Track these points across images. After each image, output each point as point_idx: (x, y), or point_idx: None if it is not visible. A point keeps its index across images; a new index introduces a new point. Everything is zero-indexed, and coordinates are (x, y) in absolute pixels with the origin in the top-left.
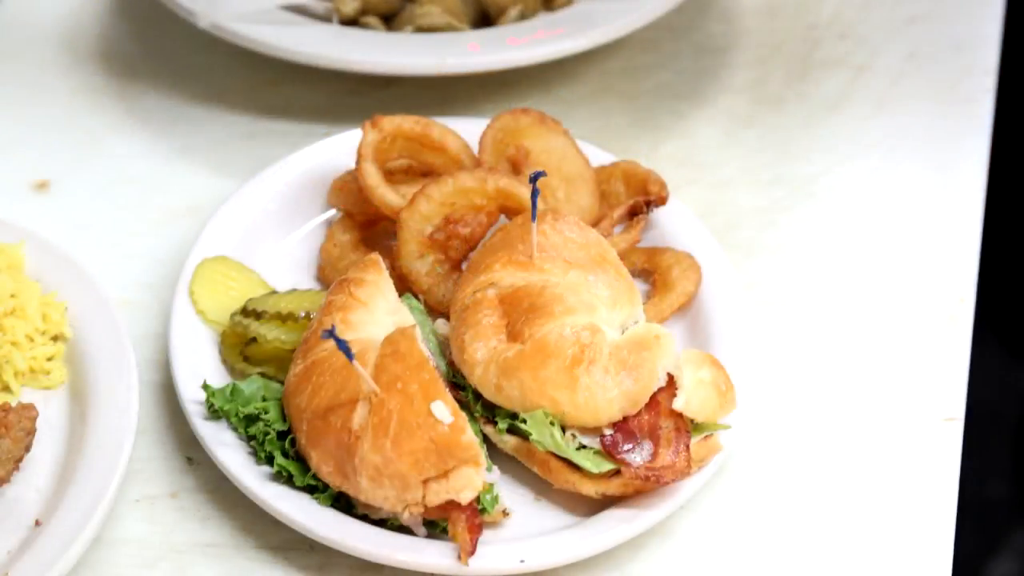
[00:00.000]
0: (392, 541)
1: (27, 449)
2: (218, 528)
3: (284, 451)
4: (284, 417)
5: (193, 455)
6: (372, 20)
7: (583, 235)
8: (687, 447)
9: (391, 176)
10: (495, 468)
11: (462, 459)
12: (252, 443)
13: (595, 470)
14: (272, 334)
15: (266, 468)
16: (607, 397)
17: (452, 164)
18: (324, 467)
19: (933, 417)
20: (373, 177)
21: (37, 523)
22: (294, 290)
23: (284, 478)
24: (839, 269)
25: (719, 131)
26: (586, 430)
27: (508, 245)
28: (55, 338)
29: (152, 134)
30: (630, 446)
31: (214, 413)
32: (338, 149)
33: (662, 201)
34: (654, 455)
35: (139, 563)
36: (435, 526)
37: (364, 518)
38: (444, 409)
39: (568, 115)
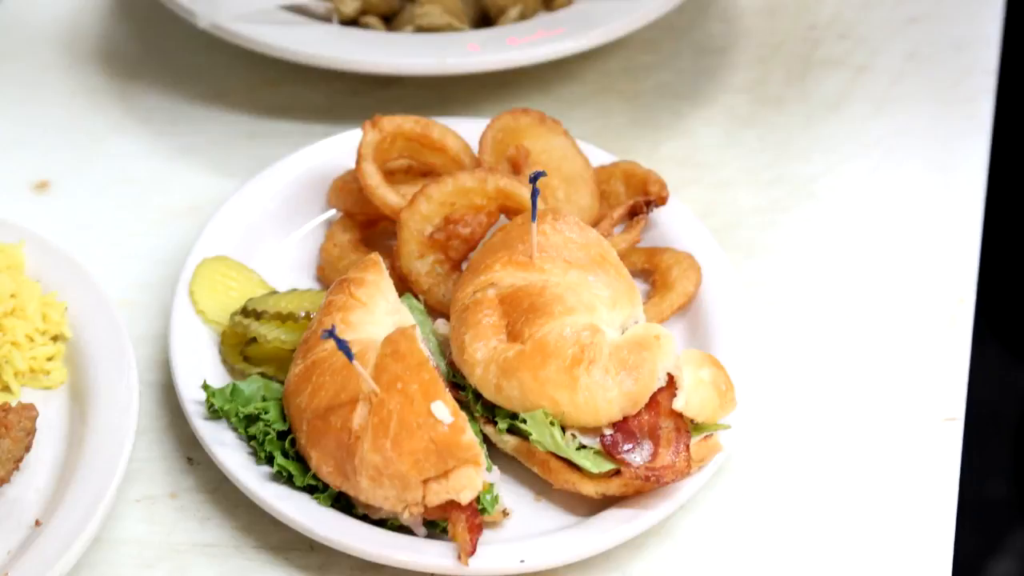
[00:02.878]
0: (392, 541)
1: (27, 449)
2: (218, 528)
3: (284, 451)
4: (284, 417)
5: (193, 455)
6: (372, 20)
7: (583, 235)
8: (687, 447)
9: (391, 176)
10: (495, 468)
11: (462, 459)
12: (252, 443)
13: (595, 470)
14: (272, 334)
15: (266, 468)
16: (607, 397)
17: (452, 164)
18: (324, 467)
19: (933, 417)
20: (373, 177)
21: (37, 523)
22: (294, 290)
23: (284, 478)
24: (839, 269)
25: (719, 131)
26: (586, 430)
27: (508, 245)
28: (55, 338)
29: (152, 134)
30: (630, 446)
31: (214, 413)
32: (338, 149)
33: (662, 201)
34: (654, 455)
35: (139, 563)
36: (435, 526)
37: (364, 518)
38: (444, 409)
39: (568, 115)
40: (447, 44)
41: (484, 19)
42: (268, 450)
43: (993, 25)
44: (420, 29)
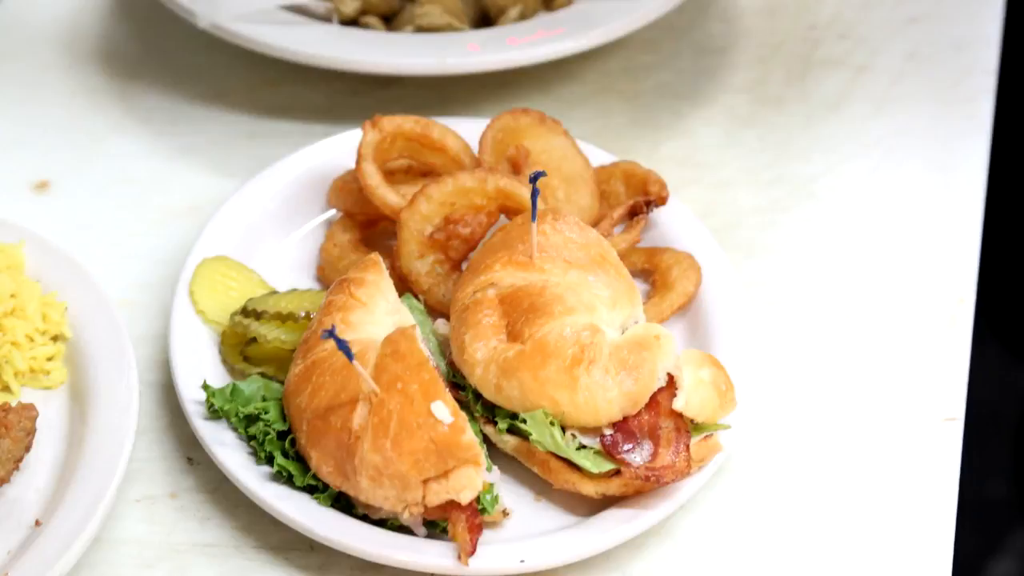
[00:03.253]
0: (392, 541)
1: (27, 449)
2: (218, 528)
3: (284, 451)
4: (284, 417)
5: (193, 455)
6: (372, 20)
7: (583, 235)
8: (687, 447)
9: (391, 176)
10: (495, 468)
11: (462, 459)
12: (252, 443)
13: (595, 470)
14: (272, 334)
15: (266, 468)
16: (607, 397)
17: (452, 164)
18: (324, 467)
19: (933, 417)
20: (373, 177)
21: (37, 523)
22: (294, 290)
23: (284, 478)
24: (839, 269)
25: (719, 131)
26: (586, 430)
27: (508, 245)
28: (55, 338)
29: (152, 134)
30: (630, 446)
31: (214, 413)
32: (338, 149)
33: (662, 201)
34: (654, 455)
35: (139, 563)
36: (435, 526)
37: (364, 518)
38: (444, 409)
39: (568, 115)
40: (447, 44)
41: (484, 19)
42: (268, 450)
43: (993, 25)
44: (420, 29)
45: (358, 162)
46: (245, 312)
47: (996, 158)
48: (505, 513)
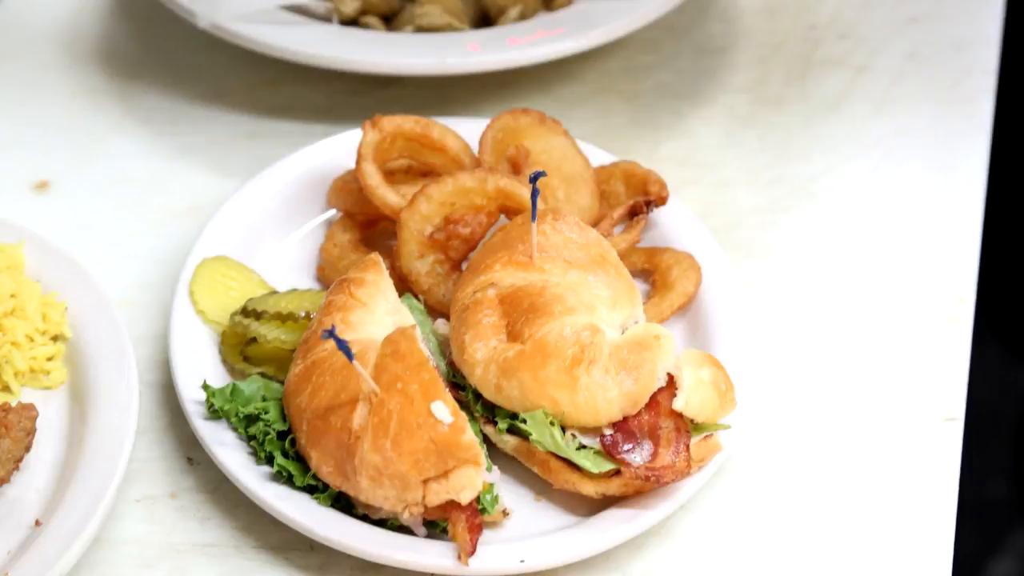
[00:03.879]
0: (392, 541)
1: (27, 449)
2: (218, 528)
3: (284, 451)
4: (284, 417)
5: (193, 455)
6: (372, 20)
7: (583, 235)
8: (687, 447)
9: (391, 176)
10: (495, 468)
11: (462, 459)
12: (252, 443)
13: (595, 470)
14: (272, 334)
15: (266, 468)
16: (607, 397)
17: (452, 164)
18: (324, 467)
19: (933, 417)
20: (373, 177)
21: (37, 523)
22: (294, 290)
23: (284, 478)
24: (839, 269)
25: (719, 131)
26: (586, 430)
27: (508, 245)
28: (55, 338)
29: (152, 134)
30: (630, 446)
31: (214, 413)
32: (338, 149)
33: (662, 201)
34: (654, 455)
35: (139, 563)
36: (435, 526)
37: (364, 518)
38: (444, 409)
39: (568, 115)
40: (447, 44)
41: (484, 19)
42: (268, 450)
43: (993, 25)
44: (420, 29)
45: (358, 162)
46: (245, 312)
47: (996, 158)
48: (505, 513)
